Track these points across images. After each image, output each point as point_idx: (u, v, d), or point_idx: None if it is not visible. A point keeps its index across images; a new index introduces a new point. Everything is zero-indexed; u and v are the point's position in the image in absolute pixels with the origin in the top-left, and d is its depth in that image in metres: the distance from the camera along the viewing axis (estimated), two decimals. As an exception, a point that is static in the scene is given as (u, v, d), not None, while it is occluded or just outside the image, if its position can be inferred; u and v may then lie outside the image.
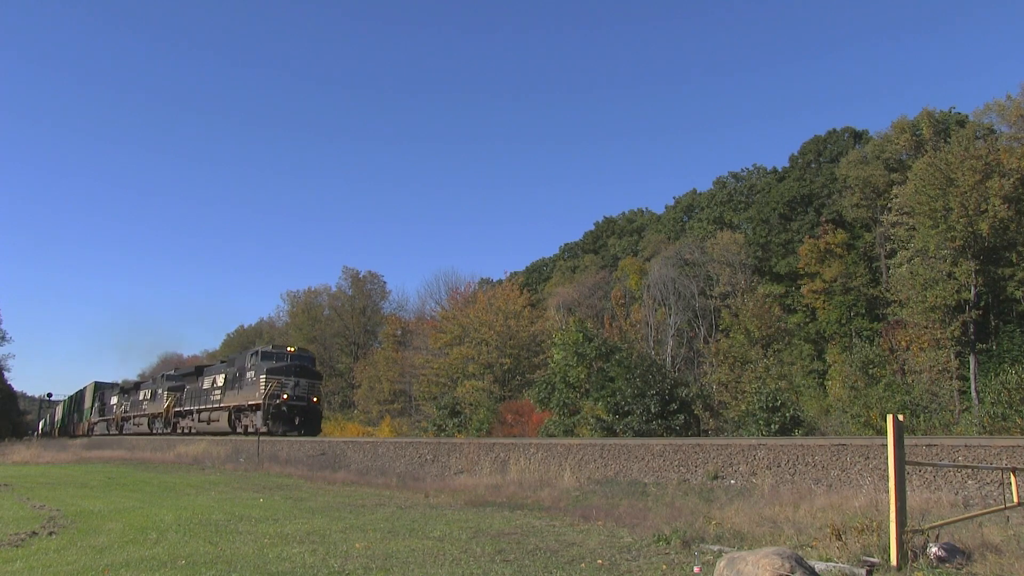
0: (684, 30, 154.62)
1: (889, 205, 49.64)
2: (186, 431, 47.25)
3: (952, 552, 7.61)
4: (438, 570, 8.40)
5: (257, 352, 40.60)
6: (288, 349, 41.64)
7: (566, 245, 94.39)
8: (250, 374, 39.55)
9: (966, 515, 8.97)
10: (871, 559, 7.58)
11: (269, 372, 37.75)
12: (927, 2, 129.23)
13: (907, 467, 8.20)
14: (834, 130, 67.63)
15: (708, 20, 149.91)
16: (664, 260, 58.28)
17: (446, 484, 17.91)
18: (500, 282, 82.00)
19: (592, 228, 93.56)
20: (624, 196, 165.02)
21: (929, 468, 11.54)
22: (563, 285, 69.59)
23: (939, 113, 58.16)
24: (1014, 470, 9.10)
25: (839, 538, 8.39)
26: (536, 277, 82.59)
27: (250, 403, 38.49)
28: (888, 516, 7.61)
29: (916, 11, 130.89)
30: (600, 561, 8.75)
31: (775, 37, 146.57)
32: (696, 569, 7.96)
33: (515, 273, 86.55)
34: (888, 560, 7.42)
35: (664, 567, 8.29)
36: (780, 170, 70.53)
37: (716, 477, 14.77)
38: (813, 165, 64.88)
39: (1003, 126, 55.99)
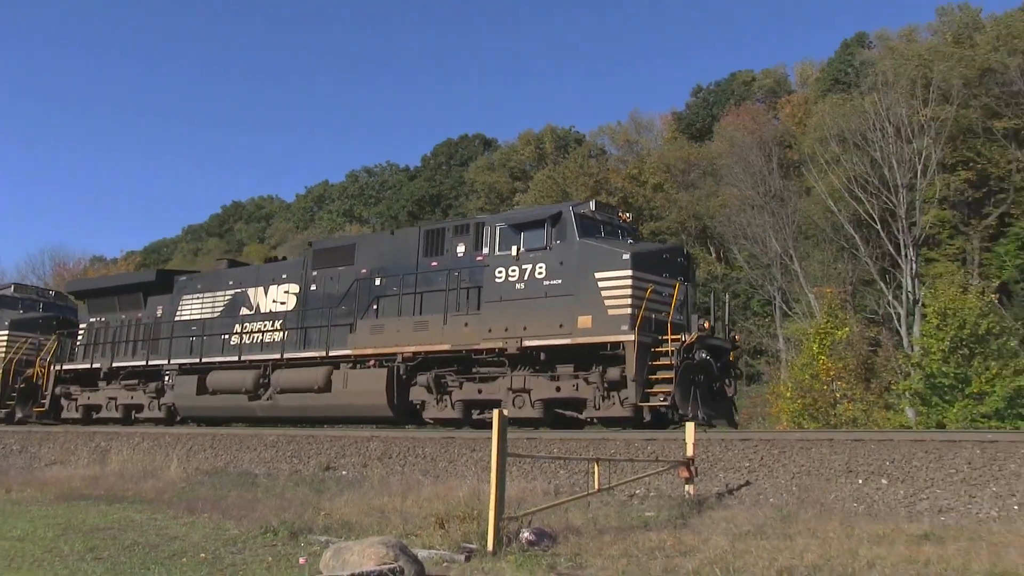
0: (322, 21, 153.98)
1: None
2: None
3: (541, 536, 8.27)
4: (14, 575, 7.54)
5: None
6: None
7: (190, 227, 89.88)
8: None
9: (555, 502, 9.80)
10: (470, 545, 8.01)
11: None
12: (551, 35, 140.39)
13: (508, 459, 8.77)
14: (466, 135, 70.97)
15: (341, 16, 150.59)
16: (291, 249, 57.46)
17: (34, 477, 16.18)
18: (115, 260, 75.95)
19: (219, 211, 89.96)
20: (256, 182, 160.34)
21: (528, 460, 12.46)
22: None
23: (561, 130, 63.39)
24: (597, 460, 10.14)
25: (442, 526, 8.77)
26: (155, 258, 77.79)
27: None
28: (488, 505, 8.08)
29: (550, 38, 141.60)
30: (203, 555, 8.38)
31: (412, 43, 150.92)
32: (301, 560, 7.91)
33: (132, 252, 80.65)
34: (485, 546, 7.87)
35: (270, 559, 8.13)
36: (412, 169, 72.57)
37: (328, 468, 14.80)
38: (444, 167, 67.59)
39: (613, 148, 62.42)
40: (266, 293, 20.69)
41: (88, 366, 23.63)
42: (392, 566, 6.89)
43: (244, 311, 20.82)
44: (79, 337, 24.66)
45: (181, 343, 21.69)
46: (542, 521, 8.90)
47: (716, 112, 58.30)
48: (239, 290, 21.28)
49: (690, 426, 11.37)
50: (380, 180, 76.34)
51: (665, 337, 14.64)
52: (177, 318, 22.20)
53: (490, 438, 8.34)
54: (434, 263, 17.52)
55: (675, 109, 65.14)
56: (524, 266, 16.06)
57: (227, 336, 20.73)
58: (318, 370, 18.35)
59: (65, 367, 24.35)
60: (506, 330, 15.84)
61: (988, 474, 9.85)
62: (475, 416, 16.63)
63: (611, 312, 14.79)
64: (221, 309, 21.48)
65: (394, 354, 17.30)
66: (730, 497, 10.78)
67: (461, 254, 17.22)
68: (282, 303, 20.22)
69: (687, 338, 14.72)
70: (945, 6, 47.87)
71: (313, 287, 19.59)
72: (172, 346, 21.81)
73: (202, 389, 20.54)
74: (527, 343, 15.61)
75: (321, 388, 18.20)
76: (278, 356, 19.34)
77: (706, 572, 6.94)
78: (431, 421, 17.20)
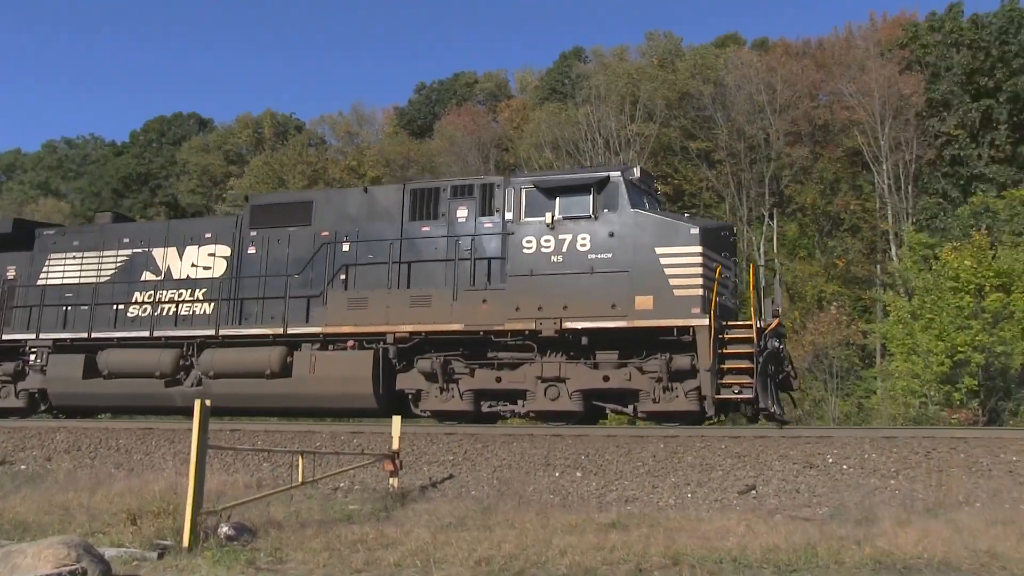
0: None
1: (224, 195, 50.90)
2: None
3: (240, 530, 8.00)
4: None
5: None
6: None
7: None
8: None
9: (257, 495, 9.51)
10: (164, 542, 7.59)
11: None
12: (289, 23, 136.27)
13: (209, 451, 8.40)
14: (180, 113, 67.22)
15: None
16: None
17: None
18: None
19: None
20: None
21: (230, 452, 12.01)
22: None
23: (281, 115, 61.62)
24: (302, 453, 9.97)
25: (134, 522, 8.24)
26: None
27: None
28: (185, 499, 7.70)
29: (275, 22, 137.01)
30: None
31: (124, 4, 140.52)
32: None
33: None
34: (181, 542, 7.49)
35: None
36: (119, 144, 67.68)
37: (3, 463, 13.43)
38: (155, 145, 63.58)
39: (333, 138, 61.60)
40: (180, 255, 16.97)
41: None
42: (73, 568, 6.38)
43: (148, 276, 17.06)
44: None
45: (50, 314, 17.48)
46: (243, 515, 8.60)
47: (438, 110, 59.19)
48: (139, 250, 17.32)
49: (396, 419, 11.46)
50: (82, 153, 70.60)
51: (733, 323, 13.38)
52: (42, 282, 17.83)
53: (190, 429, 7.95)
54: (425, 227, 15.22)
55: (397, 105, 65.51)
56: (561, 236, 13.98)
57: (122, 306, 16.97)
58: (270, 351, 15.34)
59: None
60: (539, 309, 13.74)
61: (669, 466, 10.79)
62: (486, 409, 14.52)
63: (677, 293, 13.19)
64: (111, 273, 17.39)
65: (381, 334, 14.71)
66: (433, 490, 11.01)
67: (463, 219, 14.97)
68: (205, 268, 16.70)
69: (765, 324, 13.18)
70: (652, 31, 51.99)
71: (252, 250, 16.38)
72: (37, 317, 17.52)
73: (91, 372, 16.74)
74: (568, 324, 13.58)
75: (275, 373, 15.22)
76: (211, 333, 16.01)
77: (407, 564, 7.03)
78: (425, 414, 14.92)
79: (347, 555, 7.36)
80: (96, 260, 17.55)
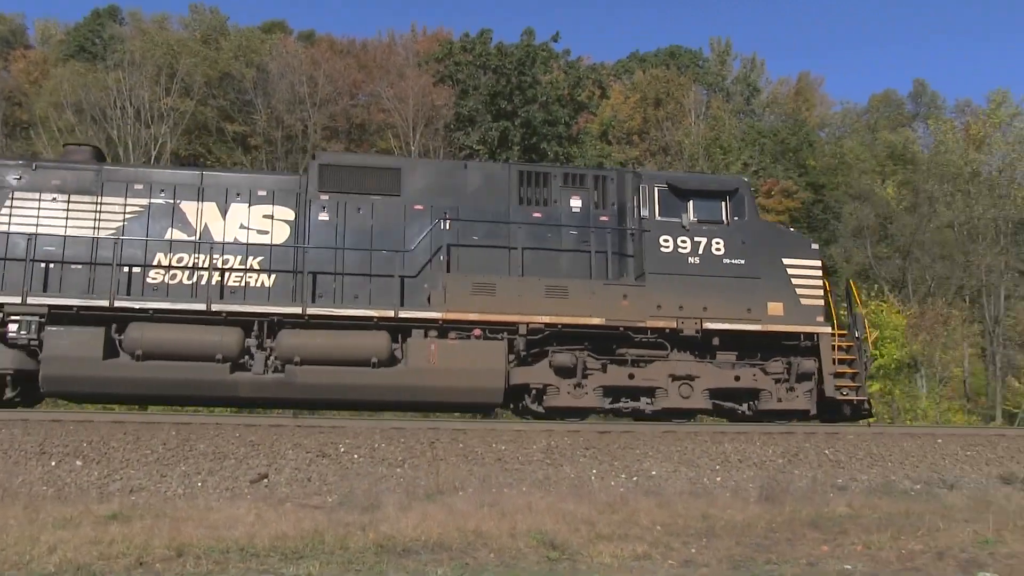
0: None
1: None
2: None
3: None
4: None
5: None
6: None
7: None
8: None
9: None
10: None
11: None
12: None
13: None
14: None
15: None
16: None
17: None
18: None
19: None
20: None
21: None
22: None
23: None
24: None
25: None
26: None
27: None
28: None
29: None
30: None
31: None
32: None
33: None
34: None
35: None
36: None
37: None
38: None
39: None
40: (223, 213, 13.83)
41: None
42: None
43: (177, 234, 13.64)
44: None
45: (18, 271, 12.92)
46: None
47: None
48: (159, 201, 13.75)
49: None
50: None
51: (843, 331, 14.63)
52: (2, 228, 13.27)
53: None
54: (537, 214, 14.41)
55: None
56: (697, 238, 14.22)
57: (138, 269, 13.35)
58: (374, 336, 13.28)
59: None
60: (680, 308, 13.78)
61: (180, 454, 10.37)
62: (609, 405, 13.91)
63: (804, 302, 14.21)
64: (117, 226, 13.54)
65: (513, 324, 13.53)
66: None
67: (577, 209, 14.51)
68: (260, 232, 13.86)
69: (867, 333, 14.73)
70: (198, 5, 49.90)
71: (324, 216, 14.04)
72: (8, 276, 12.99)
73: (113, 351, 12.87)
74: (708, 325, 13.83)
75: (381, 362, 13.21)
76: (296, 311, 13.22)
77: None
78: (541, 410, 13.83)
79: None
80: (92, 208, 13.57)
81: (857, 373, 14.52)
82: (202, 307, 13.10)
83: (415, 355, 13.38)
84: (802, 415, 14.49)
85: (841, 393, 14.24)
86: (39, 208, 13.49)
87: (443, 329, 13.60)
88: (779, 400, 14.31)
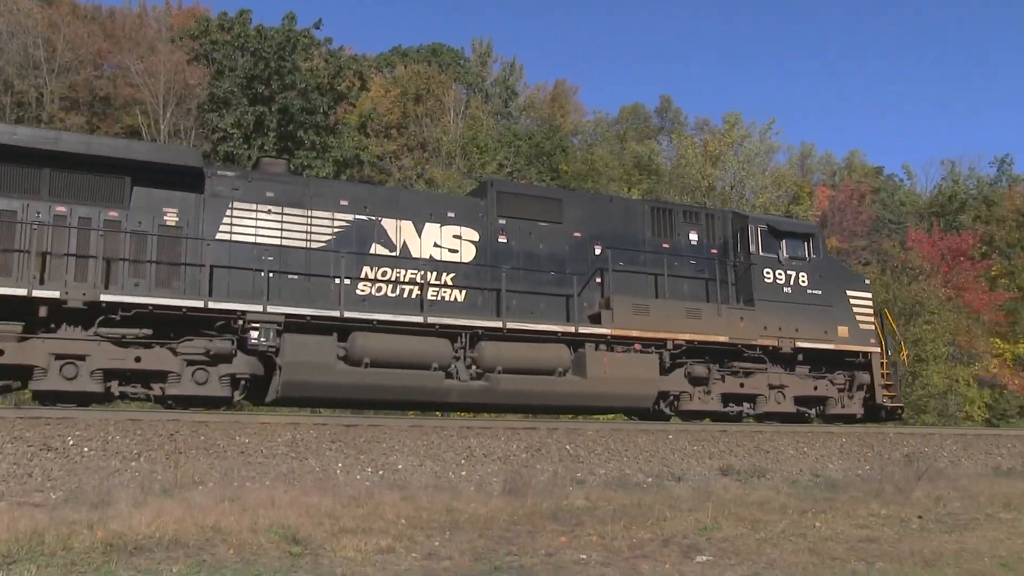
0: None
1: None
2: None
3: None
4: None
5: None
6: None
7: None
8: None
9: None
10: None
11: None
12: None
13: None
14: None
15: None
16: None
17: None
18: None
19: None
20: None
21: None
22: None
23: None
24: None
25: None
26: None
27: None
28: None
29: None
30: None
31: None
32: None
33: None
34: None
35: None
36: None
37: None
38: None
39: None
40: (419, 232, 15.29)
41: (25, 293, 12.04)
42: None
43: (379, 250, 14.92)
44: None
45: (241, 279, 13.73)
46: None
47: None
48: (362, 217, 14.96)
49: None
50: None
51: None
52: (223, 236, 13.85)
53: None
54: (666, 244, 17.09)
55: None
56: (788, 272, 17.45)
57: (346, 281, 14.19)
58: (558, 348, 15.22)
59: None
60: (779, 329, 16.86)
61: None
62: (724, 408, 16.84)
63: (862, 326, 17.87)
64: (328, 239, 14.60)
65: (663, 340, 15.90)
66: None
67: (694, 242, 17.42)
68: (452, 250, 15.47)
69: (903, 352, 19.28)
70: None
71: (502, 239, 15.89)
72: (225, 281, 13.57)
73: (347, 358, 13.77)
74: (800, 344, 16.99)
75: (565, 371, 15.21)
76: (496, 324, 14.81)
77: None
78: (671, 413, 16.58)
79: None
80: (305, 220, 14.55)
81: (893, 384, 18.08)
82: (419, 319, 14.35)
83: (593, 365, 15.26)
84: (850, 418, 17.95)
85: (888, 401, 17.77)
86: (256, 219, 14.20)
87: (610, 343, 15.62)
88: (842, 406, 17.86)
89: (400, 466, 11.18)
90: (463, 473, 11.41)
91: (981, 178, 54.80)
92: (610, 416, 18.25)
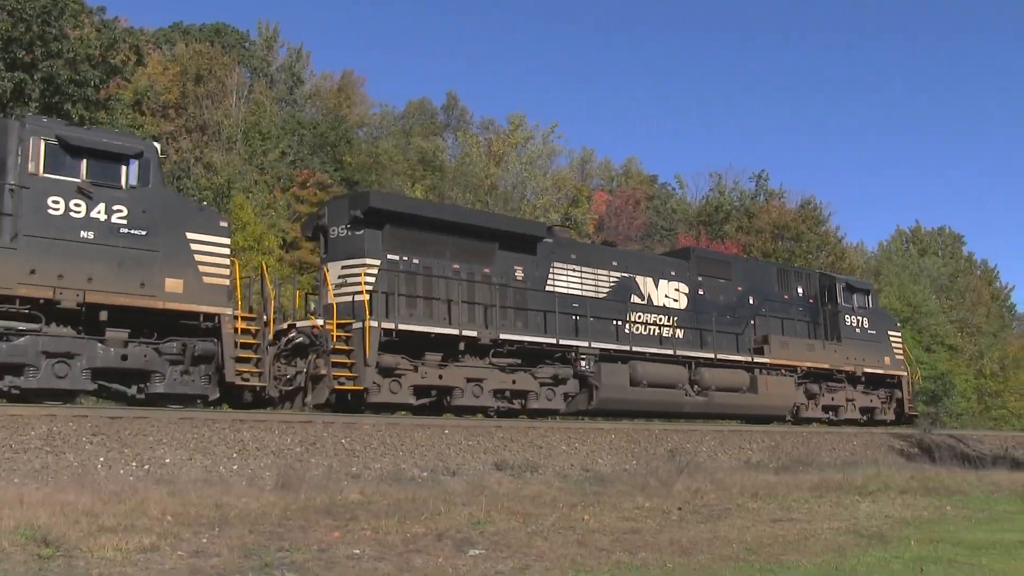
0: None
1: None
2: None
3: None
4: None
5: None
6: None
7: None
8: None
9: None
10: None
11: None
12: None
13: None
14: None
15: None
16: None
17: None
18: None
19: None
20: None
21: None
22: None
23: None
24: None
25: None
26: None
27: None
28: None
29: None
30: None
31: None
32: None
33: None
34: None
35: None
36: None
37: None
38: None
39: None
40: (656, 285, 20.68)
41: (457, 332, 16.43)
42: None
43: (635, 299, 20.14)
44: (370, 279, 15.77)
45: (560, 321, 18.12)
46: None
47: None
48: (626, 274, 20.27)
49: None
50: None
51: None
52: (550, 288, 18.65)
53: None
54: (786, 296, 23.85)
55: None
56: (858, 317, 24.95)
57: (619, 322, 19.50)
58: (741, 372, 21.32)
59: (401, 327, 15.54)
60: (855, 359, 24.23)
61: None
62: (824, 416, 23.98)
63: (897, 356, 25.87)
64: (608, 291, 19.81)
65: (795, 366, 22.57)
66: None
67: (800, 295, 24.33)
68: (674, 300, 20.97)
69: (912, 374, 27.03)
70: None
71: (701, 292, 21.54)
72: (557, 322, 18.03)
73: (633, 380, 19.09)
74: (866, 370, 24.56)
75: (747, 389, 21.32)
76: (710, 356, 20.63)
77: None
78: (790, 419, 22.97)
79: None
80: (592, 276, 19.54)
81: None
82: (671, 352, 19.96)
83: (761, 385, 21.50)
84: (884, 423, 25.01)
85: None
86: (566, 274, 19.03)
87: (767, 369, 21.81)
88: (883, 414, 24.91)
89: (168, 460, 10.67)
90: (235, 467, 11.03)
91: (744, 191, 58.71)
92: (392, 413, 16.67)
